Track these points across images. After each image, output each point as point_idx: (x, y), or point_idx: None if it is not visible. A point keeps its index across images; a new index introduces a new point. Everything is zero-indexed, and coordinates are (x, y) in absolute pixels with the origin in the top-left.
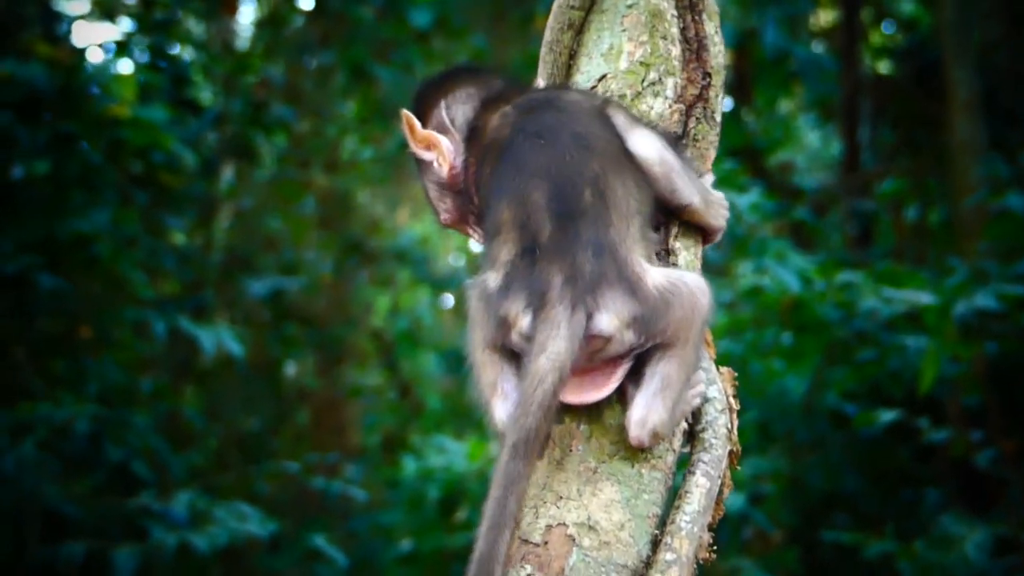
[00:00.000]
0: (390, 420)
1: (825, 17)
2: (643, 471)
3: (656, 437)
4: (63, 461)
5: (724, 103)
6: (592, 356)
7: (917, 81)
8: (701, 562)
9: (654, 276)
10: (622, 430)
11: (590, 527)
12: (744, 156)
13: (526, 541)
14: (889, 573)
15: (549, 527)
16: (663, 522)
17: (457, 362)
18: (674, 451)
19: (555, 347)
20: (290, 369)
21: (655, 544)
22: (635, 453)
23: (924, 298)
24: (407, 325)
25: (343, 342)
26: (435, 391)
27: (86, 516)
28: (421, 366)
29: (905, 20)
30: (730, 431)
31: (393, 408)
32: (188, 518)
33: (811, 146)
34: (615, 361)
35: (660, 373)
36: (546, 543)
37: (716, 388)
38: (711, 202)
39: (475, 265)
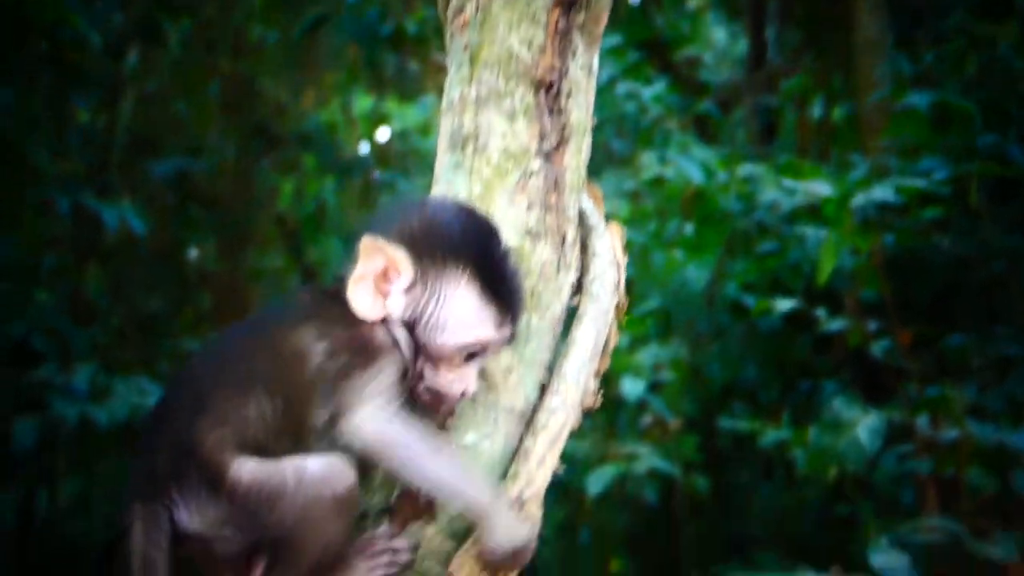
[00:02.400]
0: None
1: None
2: (532, 319)
3: None
4: None
5: None
6: (210, 557)
7: None
8: (585, 409)
9: (253, 473)
10: None
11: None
12: (650, 50)
13: None
14: (784, 460)
15: None
16: (551, 369)
17: None
18: (562, 302)
19: (135, 543)
20: (192, 253)
21: (542, 390)
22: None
23: (824, 190)
24: (312, 209)
25: (246, 226)
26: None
27: None
28: (325, 250)
29: None
30: (617, 284)
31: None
32: (89, 392)
33: (718, 43)
34: (252, 557)
35: (283, 553)
36: None
37: (604, 242)
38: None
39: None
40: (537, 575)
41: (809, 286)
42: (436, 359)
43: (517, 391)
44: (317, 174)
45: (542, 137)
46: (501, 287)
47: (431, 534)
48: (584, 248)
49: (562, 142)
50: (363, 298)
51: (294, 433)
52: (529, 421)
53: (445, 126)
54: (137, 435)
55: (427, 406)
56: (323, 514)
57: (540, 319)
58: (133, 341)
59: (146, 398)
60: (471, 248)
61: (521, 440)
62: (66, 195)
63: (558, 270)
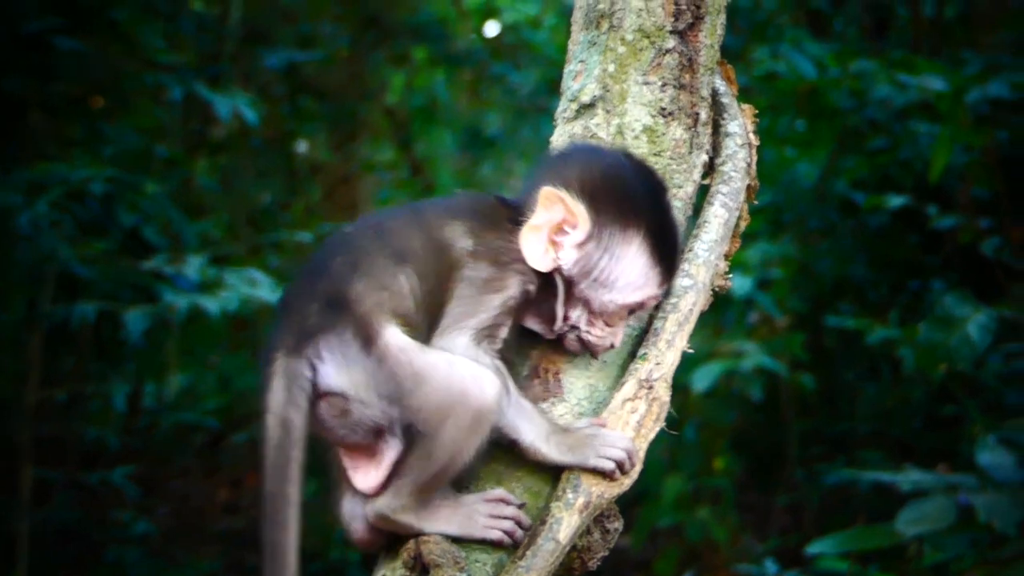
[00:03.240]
0: (402, 197)
1: None
2: None
3: (381, 520)
4: (77, 223)
5: None
6: (344, 422)
7: None
8: (717, 290)
9: (405, 344)
10: (646, 159)
11: None
12: None
13: None
14: (891, 359)
15: None
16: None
17: (471, 141)
18: (694, 182)
19: (274, 400)
20: (303, 145)
21: None
22: None
23: (937, 85)
24: (422, 102)
25: (357, 117)
26: (448, 169)
27: (99, 278)
28: (435, 144)
29: None
30: (749, 165)
31: (405, 185)
32: (199, 282)
33: None
34: (381, 437)
35: (412, 457)
36: None
37: (737, 123)
38: (557, 436)
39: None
40: (647, 464)
41: (920, 183)
42: (598, 313)
43: None
44: (428, 66)
45: (677, 15)
46: (669, 248)
47: (561, 412)
48: (716, 128)
49: (697, 20)
50: (536, 247)
51: (434, 320)
52: (659, 302)
53: (580, 3)
54: (245, 328)
55: (572, 351)
56: (460, 418)
57: (672, 199)
58: (243, 233)
59: (257, 289)
60: (647, 208)
61: (650, 321)
62: (179, 84)
63: (690, 150)
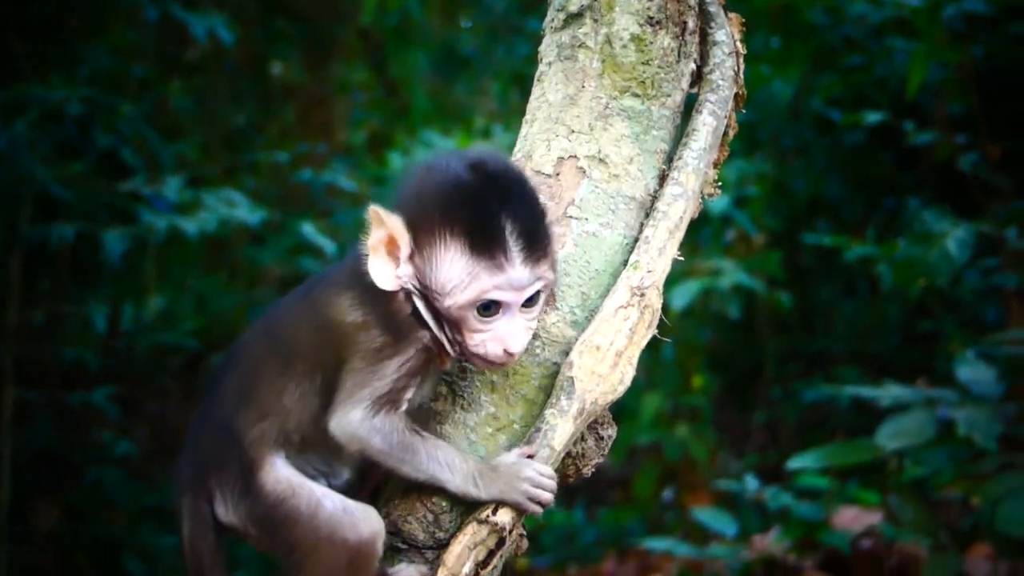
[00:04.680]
0: (377, 117)
1: None
2: (652, 108)
3: None
4: (54, 145)
5: None
6: (251, 544)
7: None
8: (706, 197)
9: (278, 484)
10: (634, 68)
11: (600, 160)
12: None
13: (539, 172)
14: (868, 277)
15: (561, 159)
16: (670, 158)
17: (445, 61)
18: (682, 90)
19: (185, 532)
20: (277, 67)
21: (662, 179)
22: (646, 90)
23: (913, 1)
24: (396, 22)
25: (331, 38)
26: (422, 89)
27: (77, 199)
28: (409, 65)
29: None
30: (736, 74)
31: (379, 105)
32: (177, 203)
33: None
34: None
35: None
36: (558, 175)
37: (724, 32)
38: (484, 477)
39: None
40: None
41: (896, 101)
42: (455, 323)
43: (637, 180)
44: None
45: None
46: (498, 236)
47: (553, 320)
48: (704, 37)
49: None
50: (378, 268)
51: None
52: (649, 210)
53: None
54: (222, 251)
55: (484, 368)
56: (332, 559)
57: (660, 108)
58: (219, 155)
59: (235, 210)
60: (454, 205)
61: (641, 228)
62: (154, 5)
63: (678, 58)
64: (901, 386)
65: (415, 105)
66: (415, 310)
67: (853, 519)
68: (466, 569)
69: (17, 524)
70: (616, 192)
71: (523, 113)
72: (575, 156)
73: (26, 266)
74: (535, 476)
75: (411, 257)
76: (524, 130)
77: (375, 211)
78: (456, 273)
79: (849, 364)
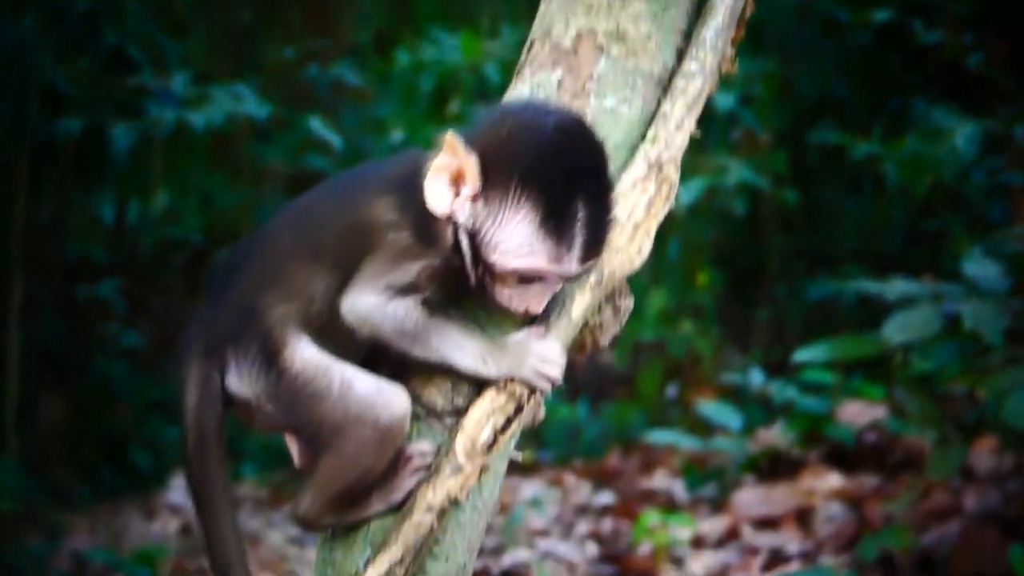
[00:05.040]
0: (381, 13)
1: None
2: None
3: (305, 524)
4: (61, 42)
5: None
6: (255, 421)
7: None
8: (724, 74)
9: (306, 362)
10: None
11: (619, 36)
12: None
13: (557, 48)
14: (874, 175)
15: (579, 35)
16: (688, 36)
17: None
18: None
19: (189, 401)
20: None
21: (680, 56)
22: None
23: None
24: None
25: None
26: None
27: (84, 95)
28: None
29: None
30: None
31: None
32: (185, 98)
33: None
34: (291, 437)
35: (319, 467)
36: (576, 50)
37: None
38: (493, 355)
39: None
40: (630, 282)
41: (903, 0)
42: (491, 271)
43: (655, 57)
44: None
45: None
46: (569, 224)
47: None
48: None
49: None
50: (435, 190)
51: None
52: (667, 86)
53: None
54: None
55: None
56: (360, 438)
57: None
58: (225, 53)
59: (242, 104)
60: (546, 176)
61: (659, 105)
62: None
63: None
64: (907, 281)
65: (421, 3)
66: (456, 240)
67: (858, 413)
68: (484, 434)
69: (25, 418)
70: (634, 68)
71: (531, 12)
72: (594, 32)
73: (33, 162)
74: (543, 352)
75: (474, 199)
76: (543, 7)
77: (452, 140)
78: (515, 240)
79: (854, 263)
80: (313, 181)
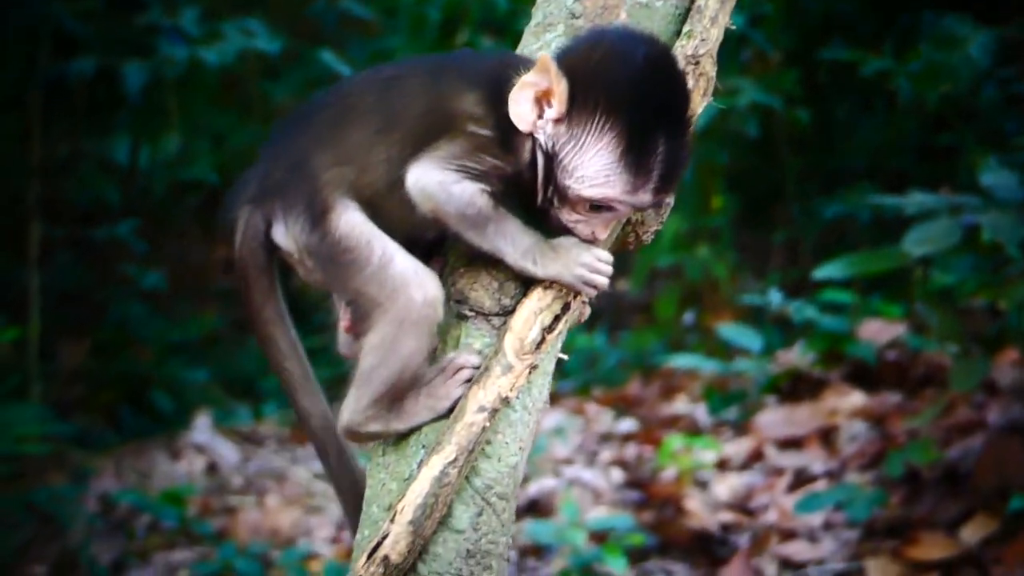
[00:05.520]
0: None
1: None
2: None
3: (351, 435)
4: None
5: None
6: (297, 273)
7: None
8: None
9: (351, 228)
10: None
11: None
12: None
13: None
14: (885, 92)
15: None
16: None
17: None
18: None
19: (237, 240)
20: None
21: None
22: None
23: None
24: None
25: None
26: None
27: (95, 33)
28: None
29: None
30: None
31: None
32: (196, 35)
33: None
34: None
35: (361, 353)
36: None
37: None
38: (543, 255)
39: None
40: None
41: None
42: (562, 194)
43: None
44: None
45: None
46: (648, 158)
47: None
48: None
49: None
50: (521, 105)
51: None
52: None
53: None
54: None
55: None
56: (397, 313)
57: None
58: None
59: (253, 39)
60: (632, 108)
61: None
62: None
63: None
64: (926, 194)
65: None
66: (533, 156)
67: (878, 331)
68: (533, 333)
69: (46, 362)
70: None
71: None
72: None
73: (45, 104)
74: (592, 260)
75: (557, 121)
76: None
77: (547, 61)
78: (594, 168)
79: (867, 180)
80: None
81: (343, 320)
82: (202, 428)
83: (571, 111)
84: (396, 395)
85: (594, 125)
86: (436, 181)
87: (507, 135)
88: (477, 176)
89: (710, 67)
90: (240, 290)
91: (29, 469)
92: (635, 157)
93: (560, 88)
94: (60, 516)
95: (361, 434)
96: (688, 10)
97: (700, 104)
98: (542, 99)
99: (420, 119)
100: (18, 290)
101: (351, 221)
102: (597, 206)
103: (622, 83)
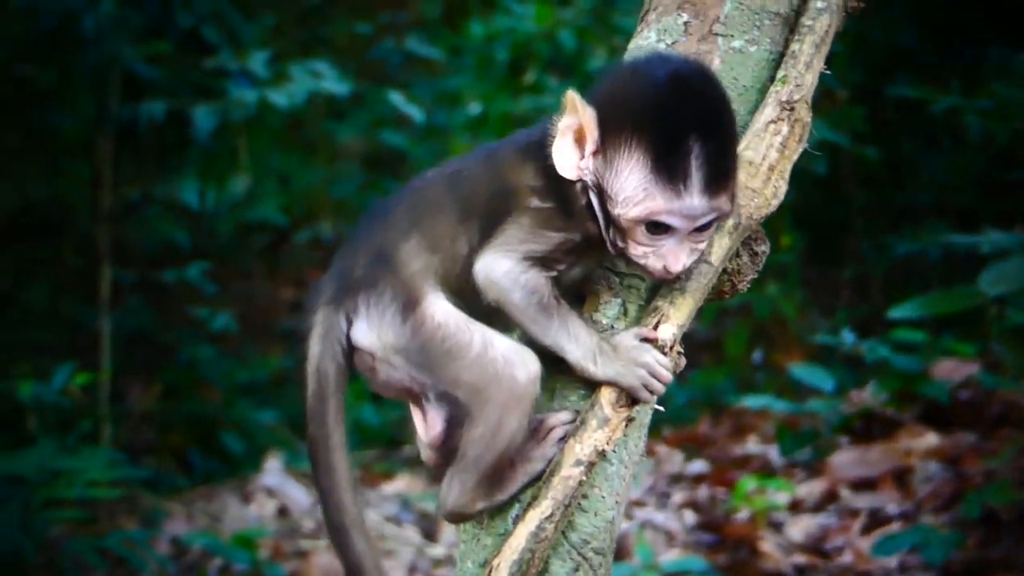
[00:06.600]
0: None
1: None
2: None
3: (457, 517)
4: (136, 26)
5: None
6: (373, 378)
7: None
8: (850, 11)
9: (444, 317)
10: None
11: None
12: None
13: None
14: (952, 128)
15: None
16: None
17: None
18: None
19: (312, 349)
20: None
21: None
22: None
23: None
24: None
25: None
26: None
27: (165, 77)
28: None
29: None
30: None
31: None
32: (264, 78)
33: None
34: (417, 399)
35: (462, 444)
36: None
37: None
38: (604, 355)
39: None
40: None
41: None
42: (622, 230)
43: None
44: None
45: None
46: (682, 161)
47: None
48: None
49: None
50: (563, 153)
51: None
52: (794, 25)
53: None
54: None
55: (643, 274)
56: (496, 399)
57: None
58: (293, 32)
59: (322, 81)
60: (655, 119)
61: (787, 44)
62: None
63: None
64: (1000, 232)
65: None
66: (589, 203)
67: (951, 370)
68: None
69: (116, 405)
70: (760, 8)
71: None
72: None
73: (115, 148)
74: (653, 364)
75: (595, 153)
76: None
77: (572, 97)
78: (632, 186)
79: (935, 216)
80: (389, 157)
81: (431, 429)
82: (273, 471)
83: (604, 139)
84: (498, 472)
85: (625, 146)
86: (503, 270)
87: (565, 198)
88: (544, 260)
89: (805, 113)
90: (309, 408)
91: (101, 514)
92: (667, 163)
93: (588, 117)
94: (132, 560)
95: (468, 516)
96: (782, 55)
97: (796, 151)
98: (580, 139)
99: (488, 202)
100: (89, 334)
101: (446, 309)
102: (653, 228)
103: (645, 98)
